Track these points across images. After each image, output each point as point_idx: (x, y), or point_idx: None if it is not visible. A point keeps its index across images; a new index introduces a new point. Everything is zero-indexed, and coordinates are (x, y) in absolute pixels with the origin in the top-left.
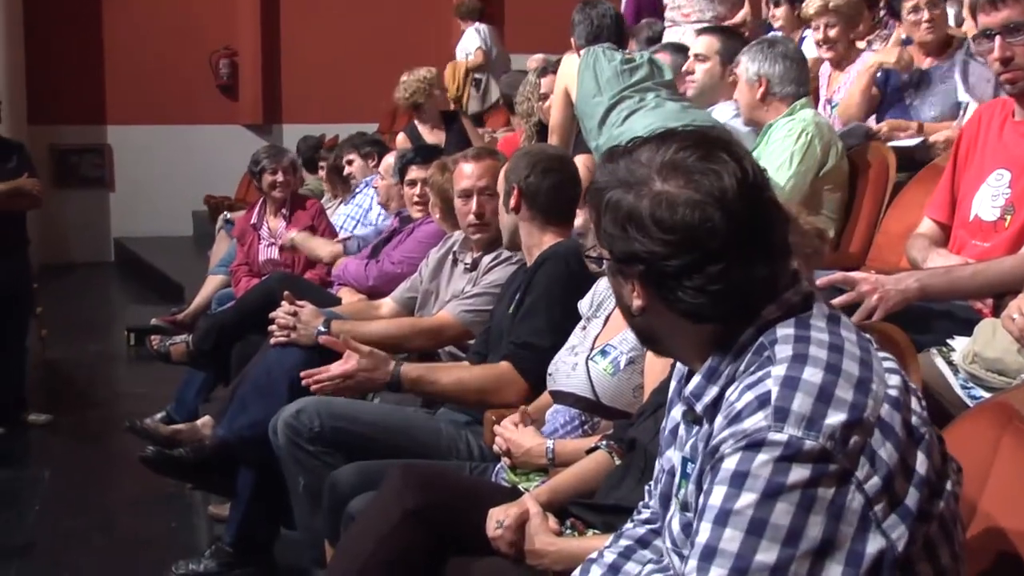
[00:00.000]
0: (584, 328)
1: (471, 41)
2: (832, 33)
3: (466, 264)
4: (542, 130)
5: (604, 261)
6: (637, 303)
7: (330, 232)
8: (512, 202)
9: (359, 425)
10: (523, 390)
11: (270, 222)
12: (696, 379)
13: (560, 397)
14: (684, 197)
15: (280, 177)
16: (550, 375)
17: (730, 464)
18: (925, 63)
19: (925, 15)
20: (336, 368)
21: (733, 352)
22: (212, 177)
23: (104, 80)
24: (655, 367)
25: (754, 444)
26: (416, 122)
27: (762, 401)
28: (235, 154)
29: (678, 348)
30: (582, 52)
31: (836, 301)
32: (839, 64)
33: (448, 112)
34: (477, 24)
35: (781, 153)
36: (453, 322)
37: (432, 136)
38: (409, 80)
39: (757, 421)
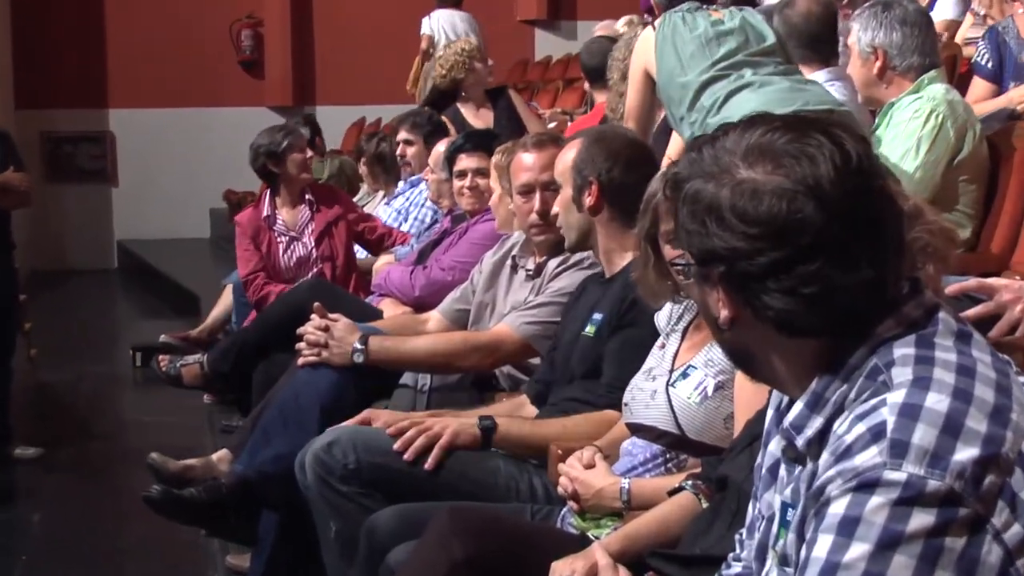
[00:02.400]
0: (662, 347)
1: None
2: None
3: (528, 271)
4: None
5: (689, 267)
6: (724, 314)
7: (372, 225)
8: (590, 200)
9: (402, 461)
10: None
11: (285, 214)
12: (797, 408)
13: (638, 430)
14: (771, 185)
15: (309, 154)
16: (626, 404)
17: (838, 508)
18: None
19: None
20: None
21: (841, 376)
22: (233, 169)
23: (105, 56)
24: (746, 391)
25: (866, 485)
26: (458, 104)
27: (876, 434)
28: None
29: (775, 370)
30: (658, 21)
31: (968, 314)
32: None
33: (493, 88)
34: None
35: (907, 139)
36: (513, 336)
37: (479, 119)
38: (446, 54)
39: (870, 457)
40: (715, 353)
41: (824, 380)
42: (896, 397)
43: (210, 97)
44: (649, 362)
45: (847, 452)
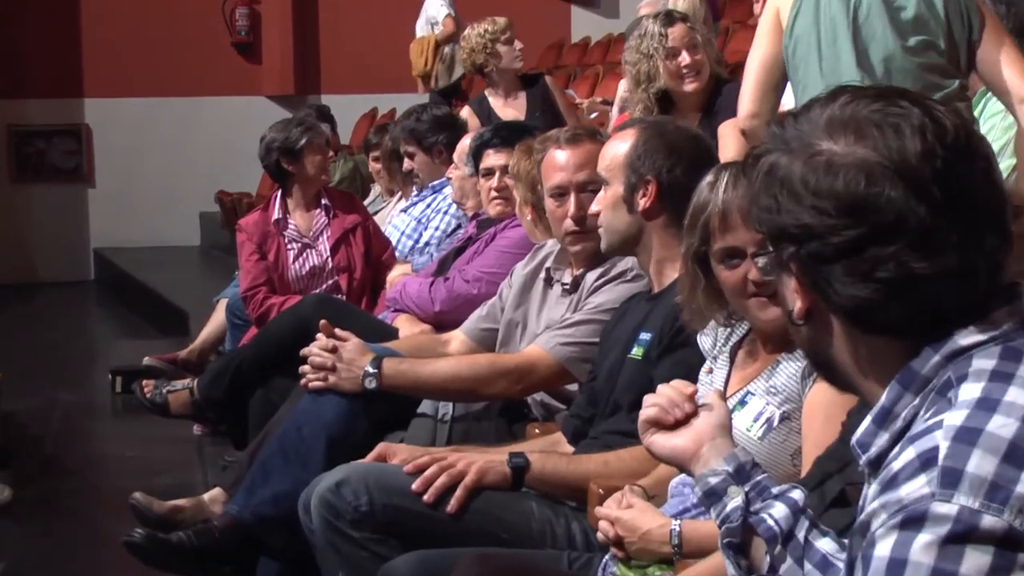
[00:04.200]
0: (709, 372)
1: (436, 9)
2: None
3: (564, 284)
4: (665, 101)
5: (767, 256)
6: (798, 305)
7: (380, 243)
8: (645, 201)
9: (421, 503)
10: None
11: (298, 219)
12: (865, 422)
13: None
14: (850, 158)
15: (330, 154)
16: None
17: (883, 550)
18: None
19: None
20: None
21: (914, 387)
22: (226, 167)
23: (80, 39)
24: (816, 422)
25: (913, 520)
26: (485, 91)
27: (926, 461)
28: (258, 135)
29: (852, 374)
30: None
31: None
32: None
33: (527, 75)
34: None
35: (998, 136)
36: (547, 359)
37: (508, 108)
38: (469, 35)
39: (917, 488)
40: (778, 379)
41: (894, 391)
42: (954, 419)
43: (200, 85)
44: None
45: (893, 481)
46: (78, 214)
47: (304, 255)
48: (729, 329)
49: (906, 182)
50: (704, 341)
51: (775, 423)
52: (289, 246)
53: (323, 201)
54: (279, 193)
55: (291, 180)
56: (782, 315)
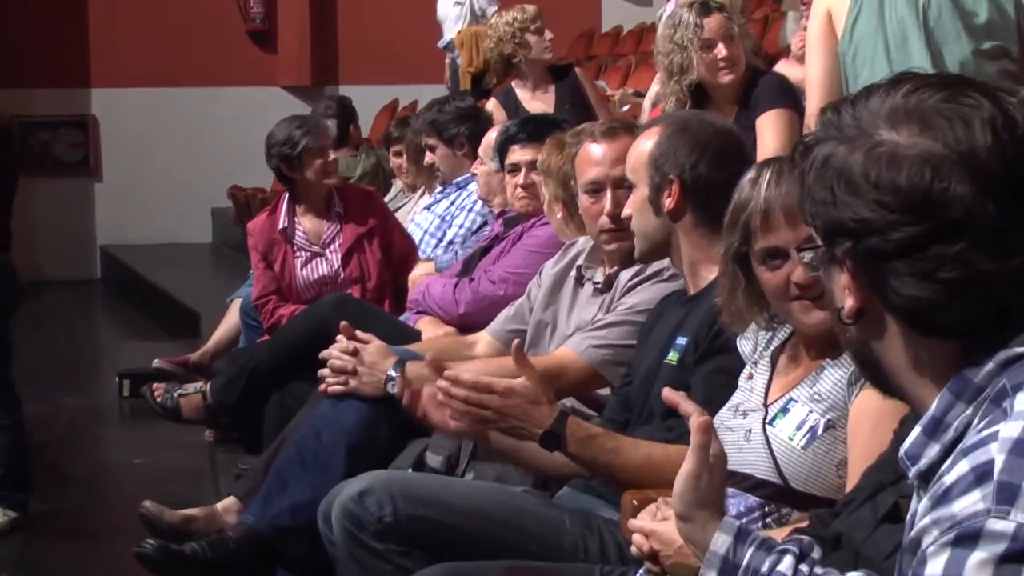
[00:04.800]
0: (749, 377)
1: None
2: None
3: (596, 284)
4: (699, 93)
5: (816, 252)
6: (849, 303)
7: (402, 243)
8: (670, 201)
9: (449, 513)
10: None
11: (307, 225)
12: (915, 432)
13: (730, 479)
14: (915, 150)
15: (332, 156)
16: None
17: (935, 568)
18: None
19: None
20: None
21: (967, 395)
22: (240, 161)
23: (87, 25)
24: (863, 431)
25: (967, 537)
26: (513, 83)
27: (981, 474)
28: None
29: (903, 377)
30: None
31: None
32: None
33: (556, 66)
34: None
35: None
36: (578, 362)
37: (536, 102)
38: (497, 23)
39: (971, 503)
40: (822, 386)
41: (946, 400)
42: (1011, 430)
43: (213, 74)
44: (737, 396)
45: (945, 496)
46: (84, 209)
47: (313, 263)
48: (770, 333)
49: (974, 177)
50: (744, 345)
51: (819, 432)
52: (297, 254)
53: (335, 206)
54: (287, 196)
55: (296, 186)
56: (827, 319)
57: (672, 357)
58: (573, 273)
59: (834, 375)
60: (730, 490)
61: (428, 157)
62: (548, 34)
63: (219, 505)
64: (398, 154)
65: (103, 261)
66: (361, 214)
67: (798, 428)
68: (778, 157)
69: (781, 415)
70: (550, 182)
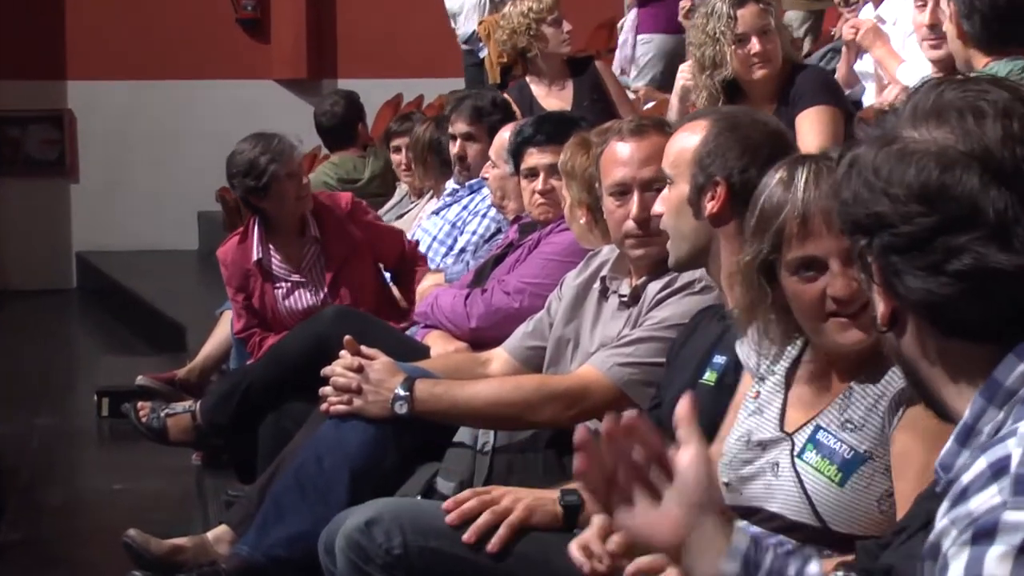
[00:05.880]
0: (756, 396)
1: None
2: None
3: (622, 297)
4: (733, 89)
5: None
6: (880, 308)
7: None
8: (713, 205)
9: (463, 546)
10: None
11: (283, 254)
12: (949, 441)
13: (754, 516)
14: (926, 144)
15: (304, 181)
16: (726, 484)
17: (956, 570)
18: None
19: None
20: None
21: (997, 400)
22: None
23: (64, 14)
24: (913, 459)
25: (984, 532)
26: (527, 78)
27: (998, 469)
28: (266, 124)
29: (942, 389)
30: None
31: None
32: None
33: (574, 59)
34: None
35: None
36: (602, 381)
37: (552, 98)
38: (510, 14)
39: (988, 498)
40: (854, 411)
41: (978, 405)
42: None
43: (200, 67)
44: (743, 420)
45: (963, 494)
46: (59, 213)
47: (296, 294)
48: (774, 348)
49: (984, 169)
50: (747, 354)
51: (857, 465)
52: (278, 285)
53: (310, 230)
54: (256, 223)
55: (266, 214)
56: (865, 338)
57: (709, 376)
58: (597, 285)
59: (867, 399)
60: (755, 528)
61: (459, 148)
62: (566, 25)
63: (210, 534)
64: (397, 150)
65: (79, 269)
66: (340, 235)
67: (831, 461)
68: (809, 155)
69: (811, 447)
70: (573, 184)
